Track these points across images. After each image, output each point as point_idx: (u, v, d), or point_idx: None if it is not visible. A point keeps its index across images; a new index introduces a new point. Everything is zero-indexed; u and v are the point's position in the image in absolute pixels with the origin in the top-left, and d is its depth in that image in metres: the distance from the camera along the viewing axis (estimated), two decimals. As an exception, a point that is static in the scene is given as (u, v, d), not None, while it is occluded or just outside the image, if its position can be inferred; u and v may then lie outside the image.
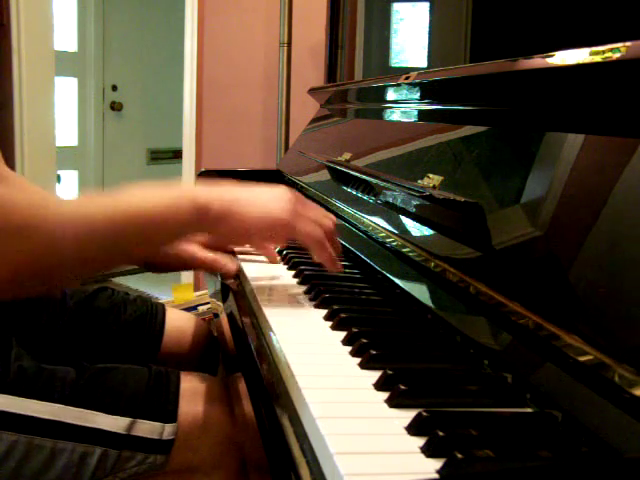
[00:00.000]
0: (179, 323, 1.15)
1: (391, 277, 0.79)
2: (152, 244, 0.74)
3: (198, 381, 0.90)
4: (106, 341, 1.07)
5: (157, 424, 0.80)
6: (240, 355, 0.72)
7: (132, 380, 0.84)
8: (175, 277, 2.97)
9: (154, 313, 1.13)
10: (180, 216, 0.71)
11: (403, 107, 1.13)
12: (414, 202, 0.85)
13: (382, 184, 0.95)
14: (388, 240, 0.85)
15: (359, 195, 1.06)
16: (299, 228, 0.77)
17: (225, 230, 0.75)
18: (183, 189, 0.75)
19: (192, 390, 0.87)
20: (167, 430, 0.80)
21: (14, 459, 0.75)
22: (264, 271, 0.90)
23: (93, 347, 1.05)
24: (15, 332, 0.93)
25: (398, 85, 1.08)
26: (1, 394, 0.78)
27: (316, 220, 0.80)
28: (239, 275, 0.88)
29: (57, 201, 0.67)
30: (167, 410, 0.82)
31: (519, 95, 0.77)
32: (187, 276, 2.74)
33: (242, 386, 0.70)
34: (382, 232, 0.88)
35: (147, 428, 0.80)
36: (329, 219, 0.83)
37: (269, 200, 0.78)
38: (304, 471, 0.44)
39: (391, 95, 1.16)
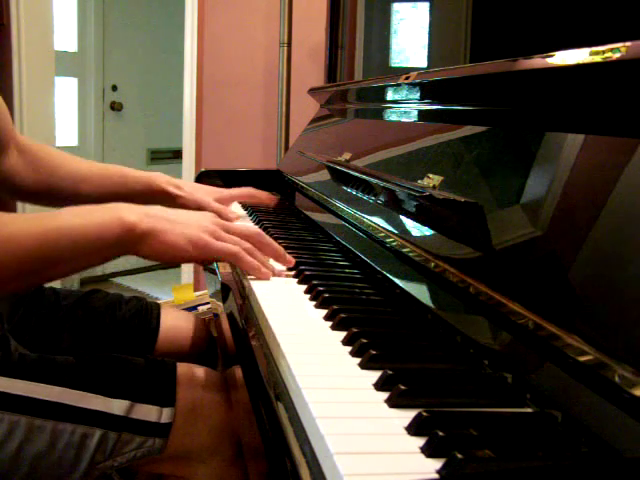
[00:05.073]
0: (175, 321, 1.16)
1: (391, 277, 0.79)
2: (83, 259, 0.76)
3: (195, 370, 0.91)
4: (102, 338, 1.08)
5: (155, 407, 0.82)
6: (240, 355, 0.72)
7: (130, 366, 0.86)
8: (176, 277, 2.97)
9: (149, 310, 1.14)
10: (108, 232, 0.73)
11: (403, 107, 1.13)
12: (414, 202, 0.85)
13: (382, 184, 0.95)
14: (388, 240, 0.85)
15: (359, 195, 1.06)
16: (216, 246, 0.79)
17: (148, 249, 0.76)
18: (112, 207, 0.76)
19: (189, 377, 0.88)
20: (165, 414, 0.82)
21: (15, 440, 0.77)
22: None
23: (89, 344, 1.06)
24: (10, 330, 0.94)
25: (398, 85, 1.08)
26: (2, 377, 0.79)
27: (240, 235, 0.82)
28: (239, 274, 0.88)
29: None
30: (164, 394, 0.84)
31: (519, 95, 0.77)
32: (187, 276, 2.74)
33: (239, 378, 0.71)
34: (382, 232, 0.88)
35: (145, 411, 0.82)
36: (253, 231, 0.85)
37: (189, 221, 0.80)
38: (304, 471, 0.44)
39: (391, 95, 1.16)
